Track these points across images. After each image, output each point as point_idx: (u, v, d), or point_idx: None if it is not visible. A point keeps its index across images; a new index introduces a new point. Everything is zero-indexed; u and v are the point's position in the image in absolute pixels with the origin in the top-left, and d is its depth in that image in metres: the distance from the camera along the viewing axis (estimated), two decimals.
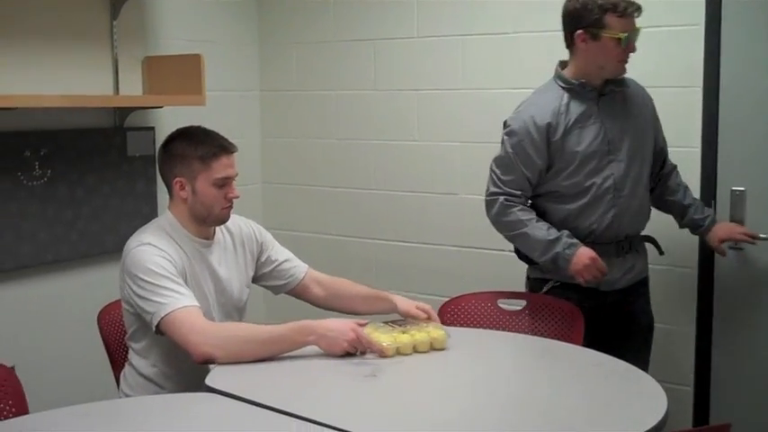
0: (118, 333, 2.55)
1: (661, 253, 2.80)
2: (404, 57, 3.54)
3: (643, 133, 2.69)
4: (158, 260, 2.16)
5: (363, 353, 2.10)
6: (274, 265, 2.49)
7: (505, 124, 2.65)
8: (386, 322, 2.26)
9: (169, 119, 3.44)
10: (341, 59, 3.68)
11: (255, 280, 2.49)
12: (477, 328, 2.71)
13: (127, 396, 2.32)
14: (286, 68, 3.83)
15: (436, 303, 2.80)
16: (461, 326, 2.71)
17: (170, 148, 2.28)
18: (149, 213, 3.42)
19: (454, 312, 2.76)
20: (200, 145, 2.22)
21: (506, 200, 2.61)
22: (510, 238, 2.65)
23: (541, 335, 2.62)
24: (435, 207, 3.56)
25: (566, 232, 2.59)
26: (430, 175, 3.56)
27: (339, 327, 2.07)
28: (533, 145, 2.59)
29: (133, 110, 3.35)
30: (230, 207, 2.28)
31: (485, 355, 2.27)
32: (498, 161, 2.63)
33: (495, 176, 2.64)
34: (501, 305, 2.77)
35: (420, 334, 2.16)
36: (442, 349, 2.20)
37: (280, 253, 2.51)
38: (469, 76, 3.39)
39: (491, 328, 2.71)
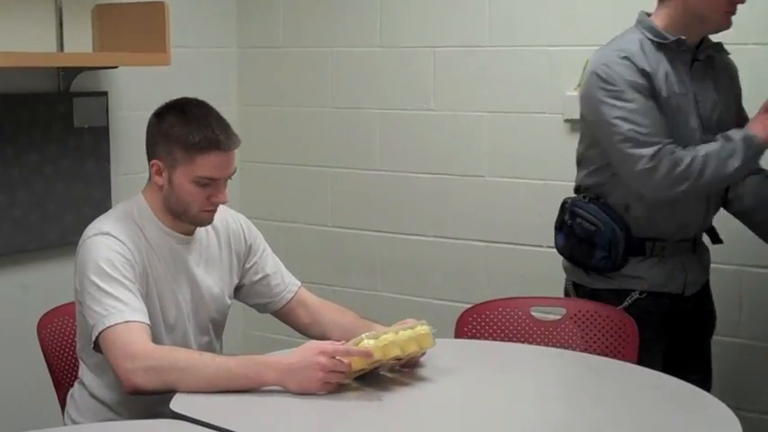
0: (63, 345, 2.56)
1: (718, 242, 2.84)
2: (417, 6, 3.53)
3: (731, 114, 2.71)
4: (113, 257, 2.18)
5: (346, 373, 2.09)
6: (259, 276, 2.51)
7: (596, 78, 2.54)
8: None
9: (125, 82, 3.46)
10: (339, 9, 3.69)
11: (234, 292, 2.52)
12: (505, 341, 2.73)
13: (74, 423, 2.34)
14: (270, 20, 3.83)
15: (455, 311, 2.81)
16: (485, 338, 2.73)
17: (160, 119, 2.28)
18: (102, 200, 3.41)
19: (477, 322, 2.77)
20: (190, 127, 2.23)
21: (666, 149, 2.51)
22: (702, 186, 2.54)
23: (585, 350, 2.65)
24: (456, 192, 3.54)
25: (722, 134, 2.57)
26: (449, 153, 3.55)
27: (301, 355, 2.05)
28: (644, 90, 2.52)
29: (81, 71, 3.34)
30: (213, 211, 2.30)
31: (513, 376, 2.28)
32: (621, 119, 2.50)
33: (634, 133, 2.50)
34: (534, 314, 2.79)
35: (404, 332, 2.17)
36: (428, 347, 2.20)
37: (268, 262, 2.52)
38: (499, 31, 3.39)
39: (521, 342, 2.72)
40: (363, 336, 2.11)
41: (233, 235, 2.45)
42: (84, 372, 2.35)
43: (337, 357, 2.05)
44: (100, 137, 3.42)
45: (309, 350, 2.04)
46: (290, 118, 3.84)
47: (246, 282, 2.49)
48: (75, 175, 3.35)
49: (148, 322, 2.13)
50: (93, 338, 2.12)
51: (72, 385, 2.44)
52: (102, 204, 3.34)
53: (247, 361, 2.06)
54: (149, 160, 2.29)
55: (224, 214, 2.42)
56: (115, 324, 2.09)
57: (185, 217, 2.29)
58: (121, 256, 2.19)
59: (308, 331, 2.48)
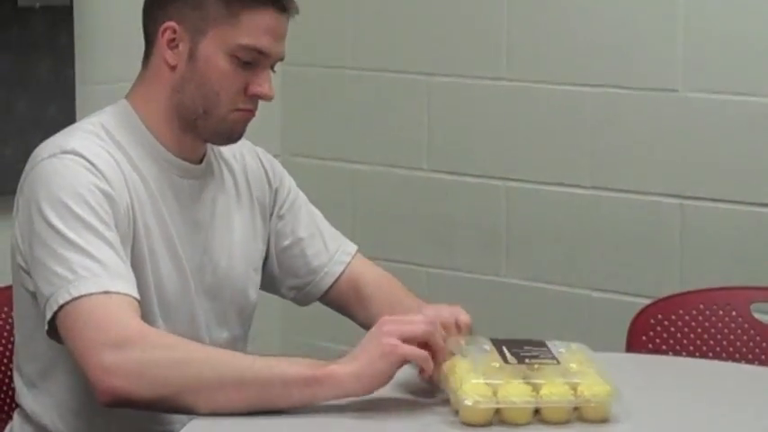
0: None
1: None
2: None
3: None
4: (83, 188, 2.10)
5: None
6: (288, 242, 2.45)
7: None
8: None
9: None
10: None
11: None
12: (709, 357, 2.69)
13: None
14: None
15: (628, 310, 2.82)
16: (676, 352, 2.71)
17: None
18: (61, 121, 3.09)
19: (663, 327, 2.74)
20: None
21: None
22: None
23: None
24: (633, 113, 3.36)
25: None
26: (619, 53, 3.32)
27: (366, 345, 2.02)
28: None
29: None
30: (251, 113, 2.25)
31: (731, 417, 2.13)
32: None
33: None
34: (757, 315, 2.71)
35: (554, 384, 2.06)
36: (603, 421, 2.07)
37: (301, 219, 2.48)
38: None
39: (736, 359, 2.66)
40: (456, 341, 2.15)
41: (252, 175, 2.42)
42: (22, 393, 2.24)
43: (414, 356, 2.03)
44: (59, 22, 3.24)
45: (378, 331, 2.02)
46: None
47: (269, 251, 2.46)
48: (20, 81, 3.22)
49: (138, 296, 2.07)
50: (49, 316, 2.03)
51: (6, 421, 2.40)
52: (60, 129, 2.93)
53: (307, 364, 2.01)
54: (154, 28, 2.22)
55: (239, 146, 2.38)
56: (87, 294, 2.00)
57: (206, 120, 2.22)
58: (97, 189, 2.11)
59: (360, 319, 2.47)
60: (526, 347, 2.18)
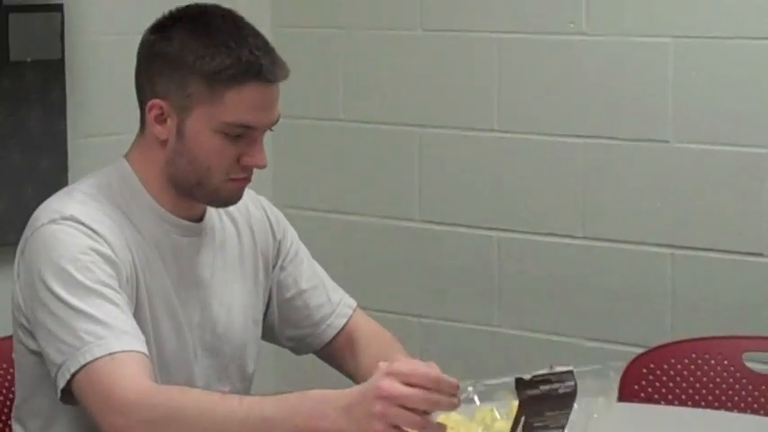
0: None
1: None
2: None
3: None
4: (83, 254, 2.11)
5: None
6: (291, 293, 2.47)
7: None
8: None
9: None
10: None
11: None
12: (701, 406, 2.69)
13: None
14: None
15: (620, 358, 2.76)
16: (668, 401, 2.70)
17: (162, 35, 2.24)
18: (53, 174, 3.26)
19: (656, 375, 2.74)
20: (215, 47, 2.18)
21: None
22: None
23: None
24: (623, 166, 3.38)
25: None
26: (613, 106, 3.35)
27: (363, 393, 1.96)
28: None
29: None
30: (244, 181, 2.26)
31: None
32: None
33: None
34: (749, 364, 2.71)
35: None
36: None
37: (304, 271, 2.49)
38: None
39: (727, 408, 2.67)
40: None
41: (256, 226, 2.42)
42: None
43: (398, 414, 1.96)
44: (51, 76, 3.27)
45: (371, 385, 1.96)
46: (342, 41, 3.73)
47: (271, 302, 2.47)
48: (12, 134, 3.24)
49: (145, 350, 2.08)
50: (62, 385, 2.05)
51: None
52: (53, 182, 3.16)
53: (294, 400, 1.99)
54: (143, 101, 2.23)
55: (243, 196, 2.36)
56: (93, 360, 2.03)
57: (201, 190, 2.23)
58: (97, 254, 2.12)
59: (353, 377, 2.47)
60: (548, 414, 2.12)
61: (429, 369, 1.95)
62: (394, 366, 1.95)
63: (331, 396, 1.98)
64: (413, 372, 1.92)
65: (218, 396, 2.06)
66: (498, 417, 2.10)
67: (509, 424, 2.03)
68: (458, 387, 1.94)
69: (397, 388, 1.90)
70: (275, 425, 1.97)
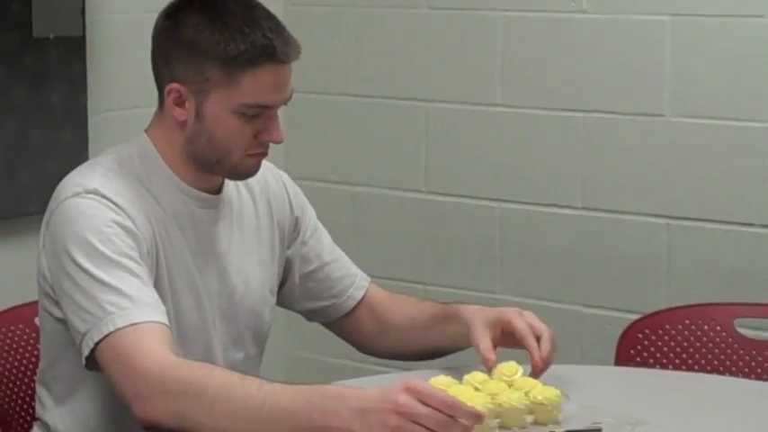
0: (8, 373, 2.52)
1: None
2: None
3: None
4: (107, 226, 2.13)
5: None
6: (313, 266, 2.48)
7: None
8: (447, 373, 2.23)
9: None
10: None
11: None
12: (695, 370, 2.70)
13: None
14: None
15: (616, 324, 2.85)
16: (663, 366, 2.71)
17: (177, 21, 2.22)
18: (74, 149, 3.27)
19: (651, 341, 2.74)
20: (229, 31, 2.17)
21: None
22: None
23: None
24: (622, 138, 3.41)
25: None
26: (617, 78, 3.38)
27: (383, 392, 1.96)
28: None
29: None
30: (263, 155, 2.27)
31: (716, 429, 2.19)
32: None
33: None
34: (741, 330, 2.73)
35: (514, 393, 2.11)
36: (553, 423, 2.10)
37: (324, 245, 2.50)
38: None
39: (721, 372, 2.67)
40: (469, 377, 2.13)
41: (274, 199, 2.43)
42: (48, 407, 2.26)
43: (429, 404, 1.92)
44: (72, 52, 3.28)
45: (387, 395, 1.94)
46: (352, 18, 3.76)
47: (291, 275, 2.46)
48: (34, 110, 3.24)
49: (166, 321, 2.10)
50: (86, 353, 2.07)
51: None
52: (73, 156, 3.18)
53: (311, 394, 1.97)
54: (161, 85, 2.23)
55: (261, 168, 2.36)
56: (115, 330, 2.05)
57: (221, 167, 2.25)
58: (119, 227, 2.13)
59: (373, 345, 2.51)
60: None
61: (446, 395, 1.95)
62: (412, 384, 1.94)
63: (348, 395, 1.98)
64: (431, 394, 1.92)
65: (239, 379, 2.07)
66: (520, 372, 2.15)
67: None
68: (481, 417, 1.95)
69: (414, 405, 1.90)
70: (290, 415, 1.99)
